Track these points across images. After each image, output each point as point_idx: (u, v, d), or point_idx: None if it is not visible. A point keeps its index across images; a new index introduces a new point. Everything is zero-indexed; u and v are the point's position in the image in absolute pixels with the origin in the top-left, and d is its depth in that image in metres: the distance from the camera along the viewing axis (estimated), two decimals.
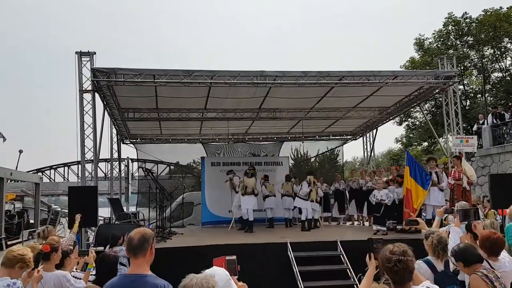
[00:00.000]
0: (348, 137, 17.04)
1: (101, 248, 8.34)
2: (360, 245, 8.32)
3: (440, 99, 26.33)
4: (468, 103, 27.93)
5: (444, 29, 28.19)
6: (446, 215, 6.33)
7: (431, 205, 10.32)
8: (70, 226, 7.87)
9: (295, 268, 8.23)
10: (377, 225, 10.08)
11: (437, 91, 11.42)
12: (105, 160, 17.97)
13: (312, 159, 21.02)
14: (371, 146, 15.85)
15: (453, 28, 27.95)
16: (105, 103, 11.09)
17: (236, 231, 11.81)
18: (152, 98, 11.57)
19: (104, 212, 17.10)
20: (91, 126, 10.04)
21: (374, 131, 15.66)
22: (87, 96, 10.13)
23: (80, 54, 10.08)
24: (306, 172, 12.35)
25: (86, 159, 10.06)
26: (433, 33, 28.66)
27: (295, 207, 12.22)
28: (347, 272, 8.32)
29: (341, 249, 8.72)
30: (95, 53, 10.02)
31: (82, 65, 10.01)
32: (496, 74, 28.97)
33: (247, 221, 11.35)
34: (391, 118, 14.64)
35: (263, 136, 16.58)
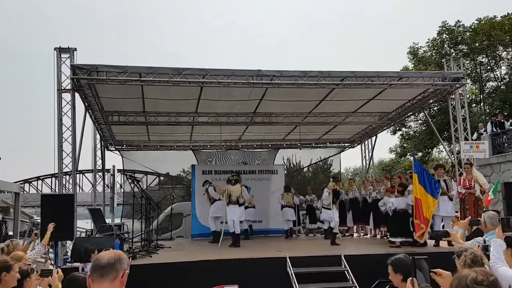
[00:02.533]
0: (346, 144, 16.29)
1: (78, 265, 7.44)
2: (366, 260, 7.46)
3: (436, 108, 26.45)
4: (465, 111, 27.51)
5: (438, 37, 27.88)
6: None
7: (440, 216, 9.57)
8: (42, 237, 6.96)
9: (295, 286, 7.37)
10: (395, 237, 9.23)
11: (444, 94, 10.73)
12: (88, 171, 17.04)
13: (305, 169, 20.31)
14: (370, 154, 15.12)
15: (447, 36, 27.65)
16: (86, 104, 10.21)
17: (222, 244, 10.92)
18: (139, 100, 10.72)
19: (87, 224, 16.12)
20: (70, 129, 9.15)
21: (374, 138, 14.94)
22: (67, 97, 9.28)
23: (59, 51, 9.24)
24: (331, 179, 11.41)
25: (64, 165, 9.15)
26: (427, 42, 28.35)
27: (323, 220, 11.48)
28: None
29: (346, 264, 7.89)
30: (75, 49, 9.20)
31: (61, 62, 9.18)
32: (490, 83, 28.66)
33: (233, 234, 10.28)
34: (392, 124, 13.94)
35: (257, 143, 15.75)
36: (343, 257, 7.98)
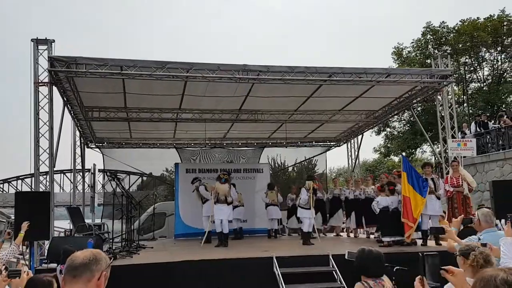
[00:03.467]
0: (332, 143, 16.14)
1: (55, 266, 7.08)
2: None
3: (419, 108, 26.54)
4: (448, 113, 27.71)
5: (422, 38, 28.05)
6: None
7: (427, 215, 9.46)
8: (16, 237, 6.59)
9: (282, 286, 7.13)
10: (386, 236, 9.05)
11: (431, 92, 10.63)
12: (70, 170, 16.47)
13: (290, 169, 20.12)
14: (356, 153, 14.98)
15: (431, 37, 27.85)
16: (65, 99, 9.80)
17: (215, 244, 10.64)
18: (120, 95, 10.35)
19: (69, 225, 15.61)
20: (48, 124, 8.74)
21: (360, 137, 14.81)
22: (44, 90, 8.87)
23: (36, 42, 8.81)
24: (306, 177, 11.28)
25: (41, 161, 8.73)
26: (412, 42, 28.49)
27: (298, 218, 11.19)
28: None
29: (334, 264, 7.68)
30: (53, 41, 8.77)
31: (39, 54, 8.75)
32: (473, 84, 28.94)
33: (220, 233, 10.04)
34: (378, 122, 13.83)
35: (242, 141, 15.48)
36: (331, 257, 7.78)
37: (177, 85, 9.78)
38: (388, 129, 30.03)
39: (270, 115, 12.32)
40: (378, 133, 29.72)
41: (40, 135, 8.65)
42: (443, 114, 10.93)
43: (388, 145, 30.81)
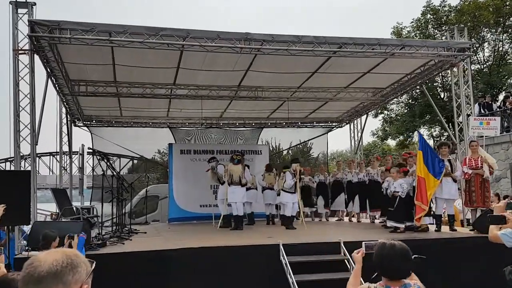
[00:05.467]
0: (334, 124, 15.38)
1: (36, 253, 6.32)
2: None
3: (418, 90, 25.82)
4: (445, 96, 27.07)
5: (422, 18, 27.22)
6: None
7: (443, 199, 8.80)
8: None
9: (291, 277, 6.43)
10: (392, 221, 8.39)
11: (446, 67, 9.87)
12: (56, 153, 15.54)
13: (285, 152, 19.42)
14: (360, 134, 14.24)
15: (431, 17, 27.03)
16: (48, 70, 8.88)
17: (213, 229, 9.95)
18: (109, 67, 9.45)
19: (55, 207, 14.78)
20: (29, 96, 7.85)
21: (364, 117, 14.07)
22: (25, 59, 7.96)
23: (16, 5, 7.85)
24: (290, 161, 10.62)
25: (22, 137, 7.87)
26: (411, 22, 27.68)
27: (279, 203, 10.55)
28: None
29: (346, 252, 7.00)
30: (35, 3, 7.82)
31: (18, 18, 7.82)
32: (473, 66, 28.26)
33: (236, 216, 9.67)
34: (385, 101, 13.07)
35: (239, 121, 14.65)
36: (342, 244, 7.09)
37: (172, 56, 8.91)
38: (386, 112, 29.38)
39: (271, 92, 11.50)
40: (376, 116, 29.06)
41: (21, 108, 7.78)
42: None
43: (386, 128, 30.19)
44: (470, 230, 8.61)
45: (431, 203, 8.76)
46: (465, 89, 9.83)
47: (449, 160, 8.76)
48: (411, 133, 30.15)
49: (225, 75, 10.33)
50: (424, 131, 30.68)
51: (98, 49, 8.32)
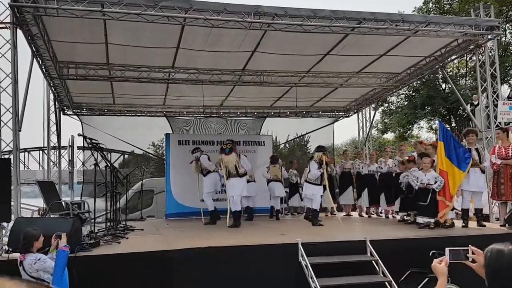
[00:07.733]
0: (340, 113, 14.54)
1: (17, 256, 5.43)
2: (396, 247, 5.70)
3: (423, 80, 25.07)
4: (447, 86, 26.41)
5: (424, 6, 26.52)
6: None
7: (469, 191, 8.01)
8: None
9: (313, 281, 5.59)
10: (425, 217, 7.58)
11: (471, 47, 9.06)
12: (42, 148, 14.51)
13: (282, 146, 18.58)
14: (370, 123, 13.41)
15: (433, 6, 26.33)
16: (34, 49, 7.93)
17: (216, 226, 9.09)
18: (101, 46, 8.50)
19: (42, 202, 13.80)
20: (11, 76, 6.91)
21: (374, 105, 13.25)
22: (6, 34, 7.04)
23: None
24: (315, 149, 9.74)
25: (3, 123, 6.95)
26: (413, 11, 26.93)
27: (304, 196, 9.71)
28: (386, 286, 5.81)
29: (373, 252, 6.18)
30: None
31: None
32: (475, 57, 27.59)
33: (235, 212, 8.75)
34: (399, 87, 12.24)
35: (241, 110, 13.75)
36: (368, 243, 6.27)
37: (172, 33, 7.99)
38: (386, 104, 28.66)
39: (277, 77, 10.61)
40: (375, 108, 28.30)
41: (1, 89, 6.85)
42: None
43: (386, 120, 29.49)
44: (501, 225, 7.85)
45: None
46: (491, 72, 9.01)
47: (476, 149, 7.97)
48: (411, 126, 29.51)
49: (229, 57, 9.43)
50: (424, 123, 30.11)
51: (89, 25, 7.41)
